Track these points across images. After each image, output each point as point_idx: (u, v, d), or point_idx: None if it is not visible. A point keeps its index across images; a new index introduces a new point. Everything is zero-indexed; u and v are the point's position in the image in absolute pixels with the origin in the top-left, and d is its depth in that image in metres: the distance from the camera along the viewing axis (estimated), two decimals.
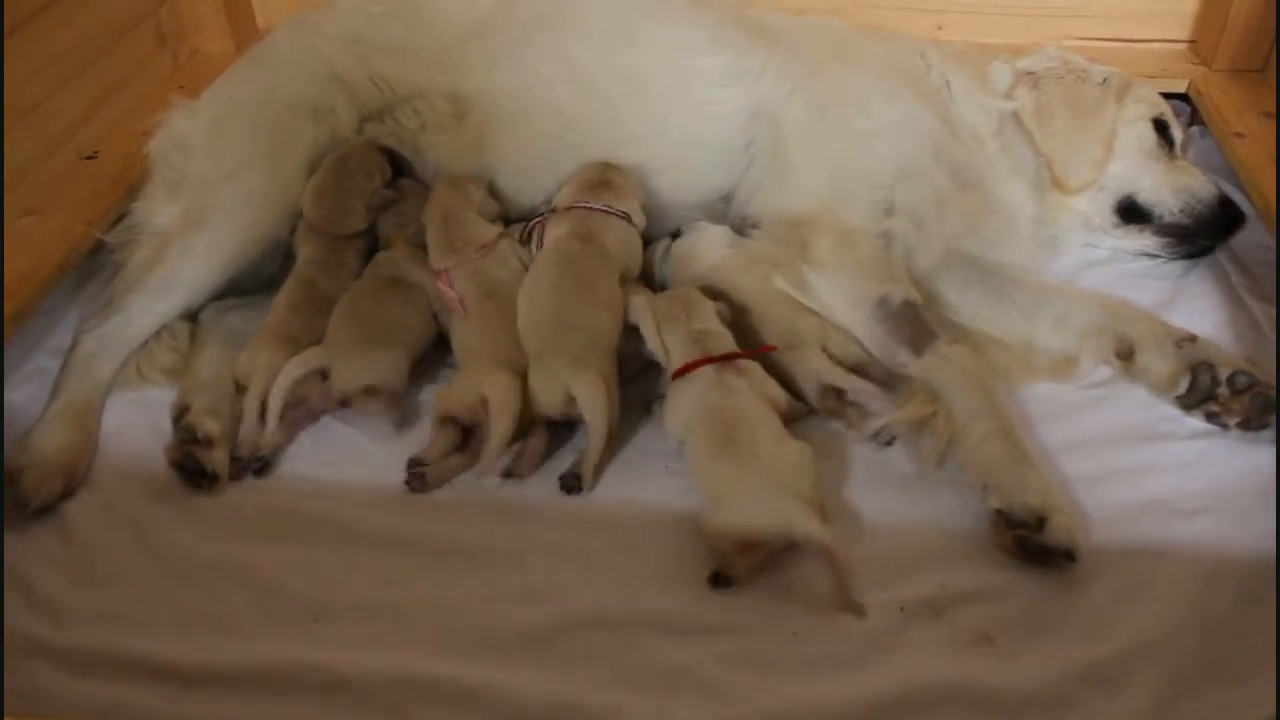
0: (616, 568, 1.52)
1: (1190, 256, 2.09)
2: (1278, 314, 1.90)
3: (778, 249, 1.90)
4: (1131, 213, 2.10)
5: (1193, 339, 1.77)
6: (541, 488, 1.64)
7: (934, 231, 1.91)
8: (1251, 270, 2.04)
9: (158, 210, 1.99)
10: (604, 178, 1.93)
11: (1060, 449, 1.67)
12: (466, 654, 1.40)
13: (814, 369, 1.71)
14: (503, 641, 1.42)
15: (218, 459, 1.65)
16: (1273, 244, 1.98)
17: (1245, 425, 1.68)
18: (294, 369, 1.69)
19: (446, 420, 1.64)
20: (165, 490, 1.65)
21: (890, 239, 1.88)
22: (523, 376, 1.66)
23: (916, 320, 1.76)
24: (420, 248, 1.91)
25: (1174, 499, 1.59)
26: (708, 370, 1.63)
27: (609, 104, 2.03)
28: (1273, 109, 2.23)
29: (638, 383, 1.76)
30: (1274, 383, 1.68)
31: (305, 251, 1.93)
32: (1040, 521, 1.48)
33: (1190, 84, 2.38)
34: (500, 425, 1.60)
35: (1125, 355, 1.80)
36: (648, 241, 1.99)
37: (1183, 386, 1.73)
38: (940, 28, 2.50)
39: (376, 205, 1.97)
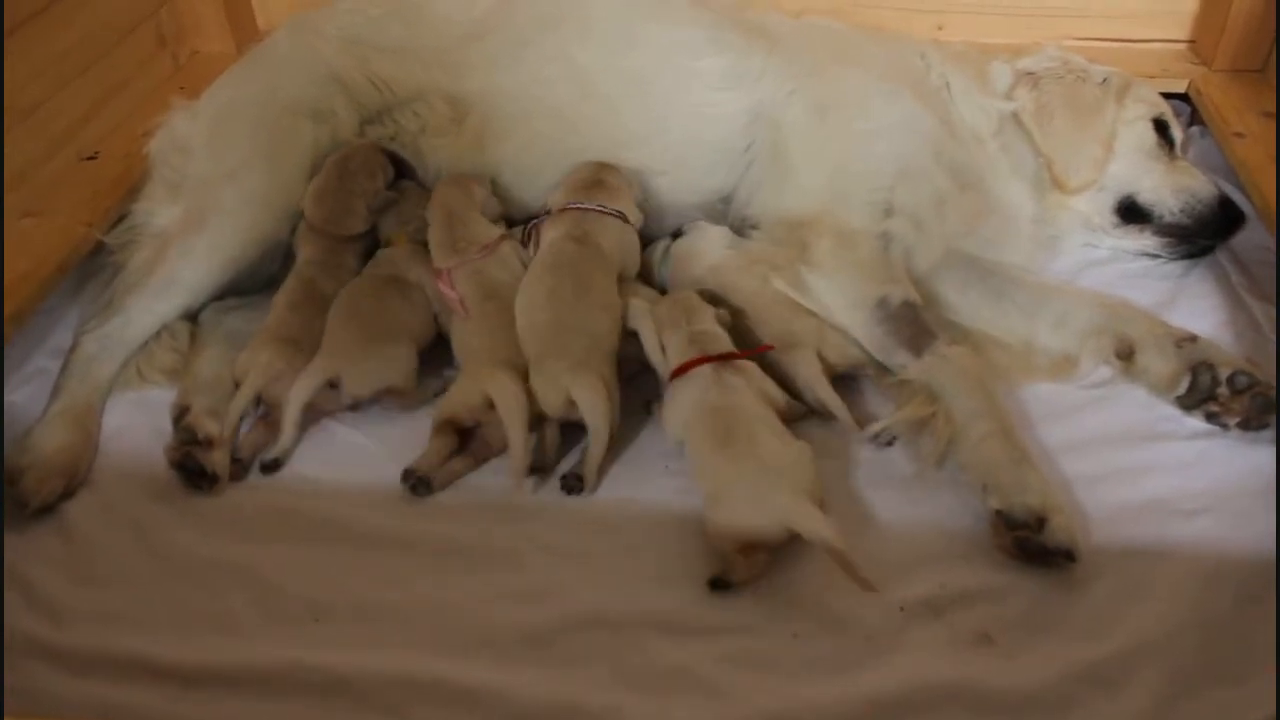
0: (616, 568, 1.52)
1: (1190, 256, 2.09)
2: (1278, 314, 1.90)
3: (777, 250, 1.90)
4: (1131, 213, 2.10)
5: (1193, 339, 1.77)
6: (542, 488, 1.64)
7: (934, 232, 1.91)
8: (1251, 270, 2.04)
9: (158, 211, 2.00)
10: (597, 177, 1.93)
11: (1060, 449, 1.67)
12: (466, 654, 1.40)
13: (806, 374, 1.71)
14: (503, 642, 1.42)
15: (218, 460, 1.65)
16: (1273, 244, 1.98)
17: (1245, 425, 1.68)
18: (306, 385, 1.68)
19: (446, 425, 1.64)
20: (165, 491, 1.65)
21: (890, 240, 1.88)
22: (524, 376, 1.66)
23: (916, 321, 1.76)
24: (422, 245, 1.91)
25: (1174, 499, 1.59)
26: (706, 369, 1.63)
27: (609, 105, 2.03)
28: (1273, 109, 2.23)
29: (637, 383, 1.76)
30: (1274, 383, 1.68)
31: (305, 252, 1.93)
32: (1040, 522, 1.48)
33: (1190, 84, 2.38)
34: (515, 429, 1.59)
35: (1125, 355, 1.80)
36: (647, 241, 1.99)
37: (1183, 386, 1.73)
38: (940, 28, 2.50)
39: (378, 206, 1.97)
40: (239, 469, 1.68)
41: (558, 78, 2.03)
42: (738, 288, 1.86)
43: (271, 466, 1.68)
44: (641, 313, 1.74)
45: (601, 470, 1.63)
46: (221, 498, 1.64)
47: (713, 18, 2.09)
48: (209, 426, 1.68)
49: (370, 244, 1.98)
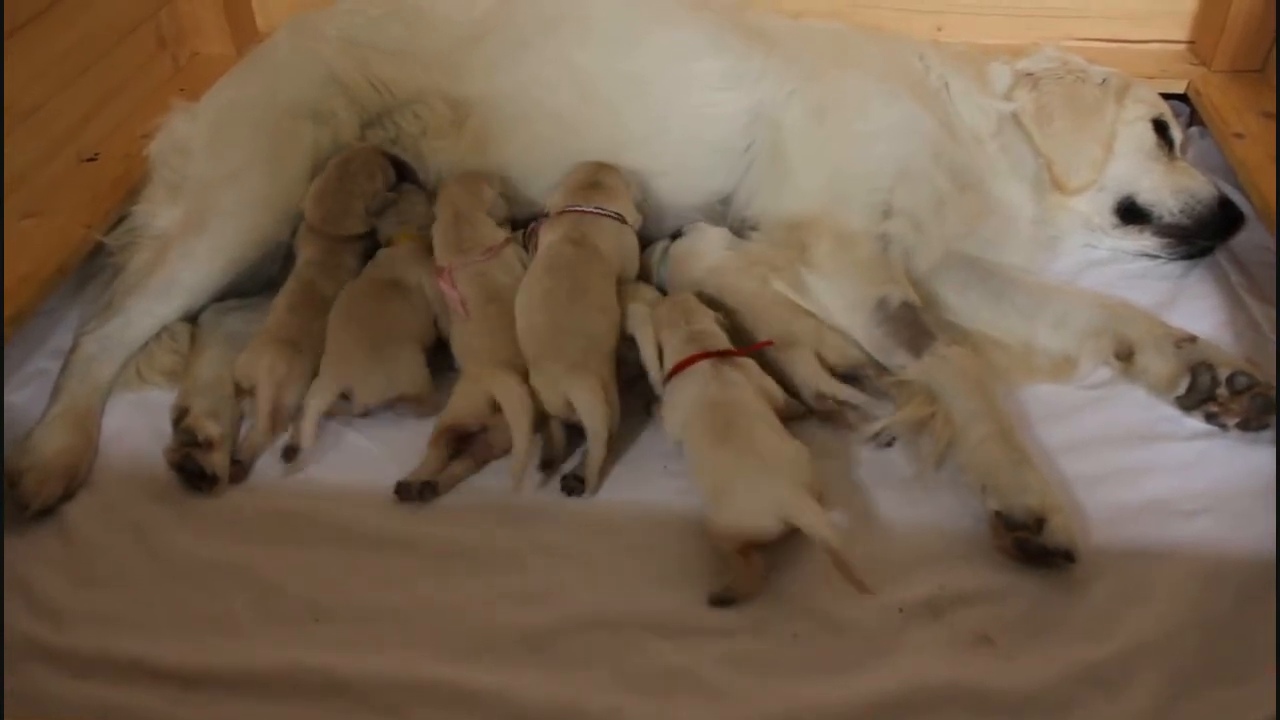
0: (617, 569, 1.52)
1: (1190, 257, 2.09)
2: (1278, 314, 1.90)
3: (776, 251, 1.90)
4: (1131, 213, 2.10)
5: (1192, 339, 1.77)
6: (542, 489, 1.64)
7: (933, 233, 1.91)
8: (1251, 270, 2.04)
9: (158, 213, 2.00)
10: (595, 179, 1.93)
11: (1060, 450, 1.67)
12: (467, 656, 1.40)
13: (805, 373, 1.71)
14: (503, 643, 1.42)
15: (218, 461, 1.65)
16: (1272, 244, 1.98)
17: (1245, 426, 1.68)
18: (319, 403, 1.67)
19: (448, 432, 1.63)
20: (165, 492, 1.65)
21: (889, 241, 1.88)
22: (525, 377, 1.66)
23: (915, 322, 1.76)
24: (427, 244, 1.91)
25: (1174, 499, 1.59)
26: (704, 365, 1.63)
27: (609, 107, 2.03)
28: (1272, 109, 2.23)
29: (637, 385, 1.76)
30: (1274, 383, 1.68)
31: (305, 253, 1.93)
32: (1039, 523, 1.48)
33: (1189, 84, 2.38)
34: (520, 430, 1.59)
35: (1125, 356, 1.80)
36: (646, 242, 1.99)
37: (1182, 387, 1.73)
38: (939, 29, 2.50)
39: (376, 208, 1.97)
40: (239, 470, 1.68)
41: (558, 80, 2.03)
42: (737, 289, 1.86)
43: (290, 454, 1.68)
44: (641, 321, 1.74)
45: (602, 472, 1.63)
46: (221, 499, 1.64)
47: (712, 19, 2.09)
48: (209, 428, 1.68)
49: (370, 246, 1.98)
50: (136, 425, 1.77)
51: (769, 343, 1.76)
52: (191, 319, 1.92)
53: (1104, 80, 2.10)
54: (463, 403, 1.64)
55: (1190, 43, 2.50)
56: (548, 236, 1.85)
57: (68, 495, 1.64)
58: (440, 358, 1.82)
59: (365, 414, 1.73)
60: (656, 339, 1.72)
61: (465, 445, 1.66)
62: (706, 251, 1.94)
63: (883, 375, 1.76)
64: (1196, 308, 1.96)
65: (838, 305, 1.81)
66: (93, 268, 2.01)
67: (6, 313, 1.74)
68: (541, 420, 1.64)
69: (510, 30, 2.07)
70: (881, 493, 1.62)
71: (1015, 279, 1.93)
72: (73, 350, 1.82)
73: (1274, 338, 1.86)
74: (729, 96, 2.02)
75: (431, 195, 2.01)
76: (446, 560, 1.54)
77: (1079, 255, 2.13)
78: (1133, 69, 2.26)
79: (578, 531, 1.57)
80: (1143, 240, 2.10)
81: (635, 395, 1.75)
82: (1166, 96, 2.22)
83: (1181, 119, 2.27)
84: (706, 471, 1.53)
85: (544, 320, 1.70)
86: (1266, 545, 1.50)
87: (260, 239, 1.94)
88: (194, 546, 1.56)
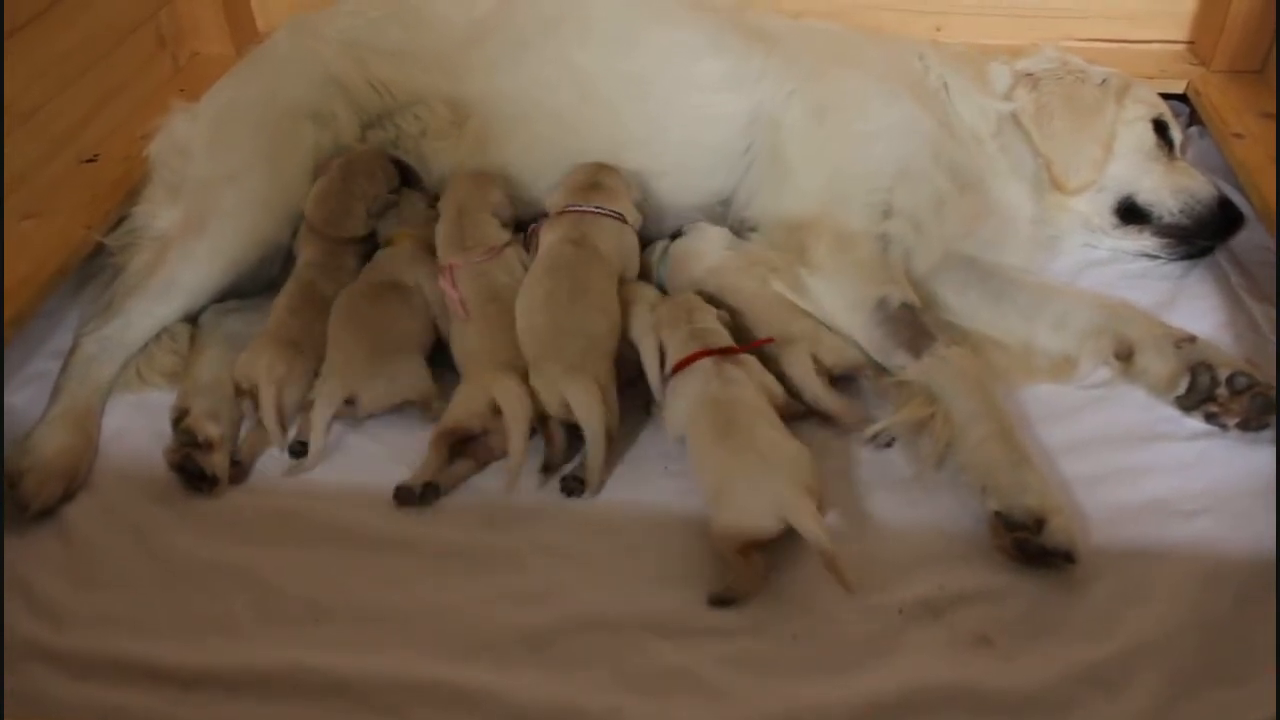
0: (617, 569, 1.52)
1: (1190, 257, 2.09)
2: (1278, 314, 1.90)
3: (776, 252, 1.90)
4: (1131, 213, 2.10)
5: (1192, 340, 1.77)
6: (542, 489, 1.64)
7: (933, 233, 1.91)
8: (1251, 271, 2.04)
9: (158, 213, 2.00)
10: (594, 179, 1.93)
11: (1060, 450, 1.67)
12: (467, 656, 1.40)
13: (797, 374, 1.71)
14: (503, 643, 1.42)
15: (217, 462, 1.65)
16: (1272, 244, 1.98)
17: (1245, 426, 1.68)
18: (326, 411, 1.67)
19: (448, 435, 1.63)
20: (165, 493, 1.65)
21: (889, 241, 1.88)
22: (525, 378, 1.66)
23: (915, 322, 1.76)
24: (424, 245, 1.91)
25: (1174, 499, 1.59)
26: (706, 362, 1.63)
27: (609, 108, 2.03)
28: (1272, 109, 2.23)
29: (637, 385, 1.76)
30: (1273, 383, 1.68)
31: (305, 254, 1.93)
32: (1039, 523, 1.48)
33: (1189, 85, 2.38)
34: (516, 434, 1.59)
35: (1124, 356, 1.80)
36: (646, 242, 1.99)
37: (1182, 387, 1.73)
38: (939, 29, 2.50)
39: (377, 210, 1.97)
40: (239, 471, 1.68)
41: (558, 80, 2.03)
42: (737, 289, 1.86)
43: (300, 450, 1.68)
44: (644, 329, 1.74)
45: (606, 472, 1.63)
46: (221, 500, 1.64)
47: (712, 20, 2.09)
48: (209, 429, 1.68)
49: (370, 247, 1.98)
50: (136, 426, 1.77)
51: (770, 339, 1.76)
52: (191, 320, 1.92)
53: (1104, 80, 2.10)
54: (464, 405, 1.64)
55: (1190, 43, 2.50)
56: (548, 236, 1.85)
57: (68, 496, 1.64)
58: (440, 358, 1.82)
59: (371, 416, 1.73)
60: (658, 339, 1.72)
61: (465, 447, 1.65)
62: (706, 251, 1.94)
63: (882, 376, 1.76)
64: (1196, 308, 1.96)
65: (837, 305, 1.81)
66: (93, 269, 2.01)
67: (6, 314, 1.75)
68: (542, 421, 1.64)
69: (510, 31, 2.07)
70: (881, 493, 1.62)
71: (1015, 279, 1.93)
72: (72, 351, 1.82)
73: (1274, 338, 1.86)
74: (729, 97, 2.02)
75: (433, 197, 2.01)
76: (446, 560, 1.54)
77: (1079, 255, 2.12)
78: (1132, 69, 2.25)
79: (578, 531, 1.57)
80: (1142, 240, 2.10)
81: (635, 395, 1.75)
82: (1166, 97, 2.22)
83: (1181, 119, 2.27)
84: (708, 469, 1.53)
85: (545, 321, 1.70)
86: (1266, 545, 1.50)
87: (260, 240, 1.94)
88: (194, 547, 1.56)
